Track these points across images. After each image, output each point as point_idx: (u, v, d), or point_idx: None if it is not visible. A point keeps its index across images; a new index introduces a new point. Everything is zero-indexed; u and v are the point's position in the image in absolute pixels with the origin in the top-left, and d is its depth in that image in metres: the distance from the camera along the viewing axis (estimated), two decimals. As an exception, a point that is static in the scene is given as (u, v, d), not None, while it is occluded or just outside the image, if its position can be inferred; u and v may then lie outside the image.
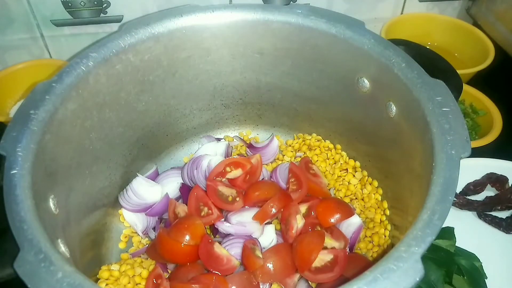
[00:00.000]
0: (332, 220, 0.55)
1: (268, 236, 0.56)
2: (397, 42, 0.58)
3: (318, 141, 0.68)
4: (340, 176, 0.65)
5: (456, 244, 0.55)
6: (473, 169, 0.66)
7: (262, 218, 0.55)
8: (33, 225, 0.38)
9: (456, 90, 0.64)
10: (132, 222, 0.61)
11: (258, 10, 0.56)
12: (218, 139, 0.71)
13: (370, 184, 0.63)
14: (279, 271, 0.51)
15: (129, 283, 0.52)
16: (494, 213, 0.63)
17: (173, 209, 0.59)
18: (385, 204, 0.60)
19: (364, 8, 0.91)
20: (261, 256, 0.51)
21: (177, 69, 0.59)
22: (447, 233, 0.55)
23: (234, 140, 0.71)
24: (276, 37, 0.58)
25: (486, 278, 0.54)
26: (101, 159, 0.57)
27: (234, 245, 0.54)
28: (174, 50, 0.57)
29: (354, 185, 0.63)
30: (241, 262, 0.53)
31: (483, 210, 0.63)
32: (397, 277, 0.34)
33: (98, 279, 0.53)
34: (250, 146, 0.69)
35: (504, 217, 0.62)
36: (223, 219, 0.56)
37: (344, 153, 0.67)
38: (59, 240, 0.43)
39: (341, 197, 0.63)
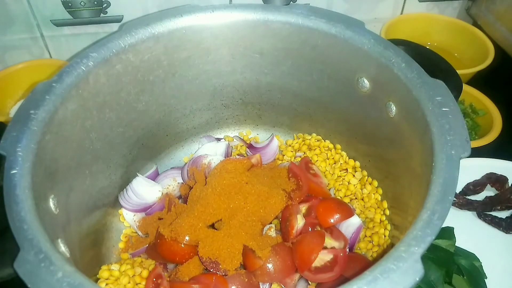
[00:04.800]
0: (332, 220, 0.55)
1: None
2: (397, 42, 0.58)
3: (318, 141, 0.68)
4: (340, 176, 0.65)
5: (456, 244, 0.55)
6: (473, 169, 0.66)
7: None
8: (33, 225, 0.38)
9: (456, 90, 0.64)
10: (132, 222, 0.61)
11: (258, 10, 0.56)
12: (218, 139, 0.71)
13: (370, 184, 0.63)
14: (279, 271, 0.51)
15: (129, 283, 0.52)
16: (494, 213, 0.63)
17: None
18: (385, 204, 0.60)
19: (364, 8, 0.91)
20: (261, 256, 0.51)
21: (177, 69, 0.59)
22: (447, 233, 0.55)
23: (234, 140, 0.71)
24: (276, 37, 0.58)
25: (486, 278, 0.54)
26: (101, 159, 0.57)
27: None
28: (174, 50, 0.57)
29: (354, 185, 0.63)
30: (241, 262, 0.53)
31: (483, 210, 0.63)
32: (397, 277, 0.34)
33: (98, 279, 0.53)
34: (250, 146, 0.69)
35: (504, 217, 0.62)
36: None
37: (344, 153, 0.67)
38: (59, 240, 0.43)
39: (341, 197, 0.63)
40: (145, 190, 0.61)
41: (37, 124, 0.45)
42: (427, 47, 0.90)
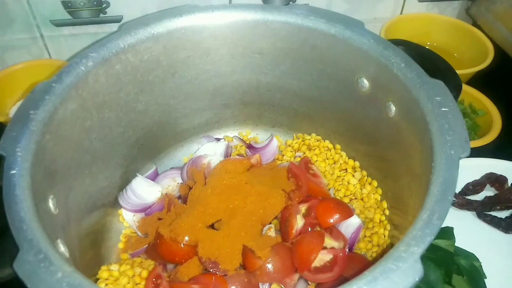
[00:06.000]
0: (332, 221, 0.55)
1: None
2: (397, 42, 0.59)
3: (317, 141, 0.68)
4: (339, 176, 0.65)
5: (455, 244, 0.55)
6: (472, 169, 0.66)
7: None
8: (32, 225, 0.38)
9: (455, 90, 0.64)
10: (131, 222, 0.61)
11: (258, 10, 0.56)
12: (218, 139, 0.71)
13: (369, 184, 0.63)
14: (278, 271, 0.51)
15: (128, 283, 0.52)
16: (493, 213, 0.63)
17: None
18: (385, 204, 0.60)
19: (364, 8, 0.91)
20: (260, 256, 0.51)
21: (177, 69, 0.59)
22: (447, 233, 0.55)
23: (234, 140, 0.71)
24: (275, 37, 0.58)
25: (486, 278, 0.54)
26: (101, 159, 0.57)
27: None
28: (174, 50, 0.57)
29: (354, 185, 0.63)
30: (241, 262, 0.53)
31: (482, 210, 0.63)
32: (396, 277, 0.34)
33: (98, 279, 0.53)
34: (249, 146, 0.69)
35: (503, 217, 0.62)
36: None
37: (343, 153, 0.67)
38: (59, 240, 0.43)
39: (340, 197, 0.63)
40: (144, 190, 0.61)
41: (36, 124, 0.44)
42: (427, 47, 0.90)
